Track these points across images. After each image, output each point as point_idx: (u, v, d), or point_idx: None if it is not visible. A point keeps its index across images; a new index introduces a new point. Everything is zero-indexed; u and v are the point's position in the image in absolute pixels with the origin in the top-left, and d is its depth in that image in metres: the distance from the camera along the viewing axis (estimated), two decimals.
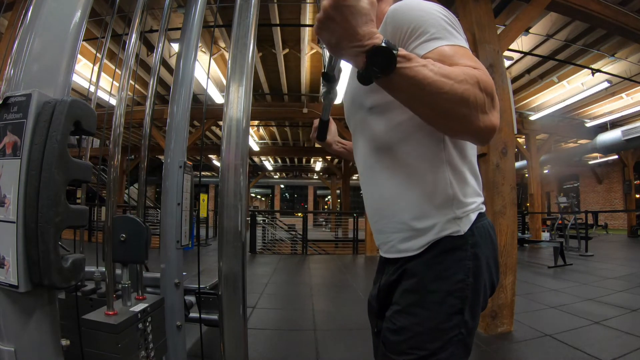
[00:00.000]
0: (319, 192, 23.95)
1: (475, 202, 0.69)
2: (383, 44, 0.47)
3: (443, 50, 0.57)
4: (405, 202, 0.68)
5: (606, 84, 6.42)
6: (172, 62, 5.57)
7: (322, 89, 0.81)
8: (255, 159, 14.88)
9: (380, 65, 0.48)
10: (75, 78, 4.62)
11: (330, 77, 0.73)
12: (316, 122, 1.09)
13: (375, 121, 0.72)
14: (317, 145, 12.37)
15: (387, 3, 0.79)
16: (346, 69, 0.78)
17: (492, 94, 0.52)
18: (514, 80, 6.88)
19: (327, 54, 0.68)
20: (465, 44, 0.60)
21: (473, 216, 0.67)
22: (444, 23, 0.60)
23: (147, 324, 0.96)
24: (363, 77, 0.51)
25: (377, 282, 0.80)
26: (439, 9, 0.62)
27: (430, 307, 0.63)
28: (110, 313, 0.89)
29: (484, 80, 0.51)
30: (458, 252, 0.64)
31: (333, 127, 1.11)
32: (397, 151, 0.69)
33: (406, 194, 0.68)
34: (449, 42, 0.58)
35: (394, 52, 0.47)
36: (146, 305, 0.98)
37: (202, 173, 13.74)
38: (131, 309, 0.94)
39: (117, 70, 4.32)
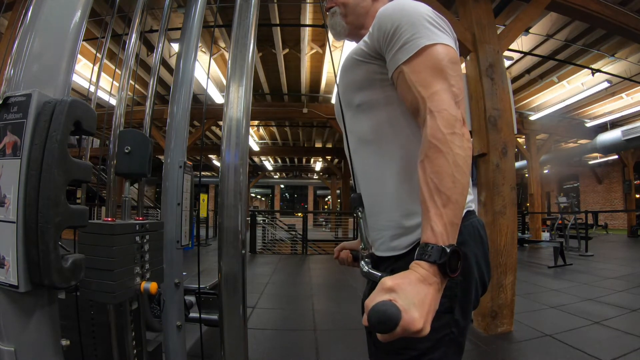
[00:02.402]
0: (319, 192, 23.95)
1: None
2: (441, 262, 0.49)
3: (415, 65, 0.60)
4: (393, 199, 0.68)
5: (606, 84, 6.43)
6: (172, 62, 5.57)
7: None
8: (255, 159, 14.89)
9: (455, 263, 0.50)
10: (75, 78, 4.62)
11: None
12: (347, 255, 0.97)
13: (363, 118, 0.73)
14: (316, 145, 12.35)
15: (383, 3, 0.81)
16: (339, 69, 0.79)
17: (453, 117, 0.55)
18: (514, 80, 6.88)
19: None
20: (447, 41, 0.62)
21: None
22: (425, 22, 0.61)
23: (145, 241, 0.94)
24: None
25: (369, 282, 0.80)
26: (423, 9, 0.63)
27: None
28: (109, 219, 0.88)
29: (446, 121, 0.55)
30: None
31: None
32: (385, 148, 0.70)
33: (394, 191, 0.68)
34: (428, 41, 0.60)
35: (447, 250, 0.49)
36: (145, 222, 0.97)
37: (202, 173, 13.73)
38: (129, 222, 0.93)
39: (117, 70, 4.32)
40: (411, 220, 0.66)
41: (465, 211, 0.68)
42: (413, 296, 0.46)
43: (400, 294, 0.47)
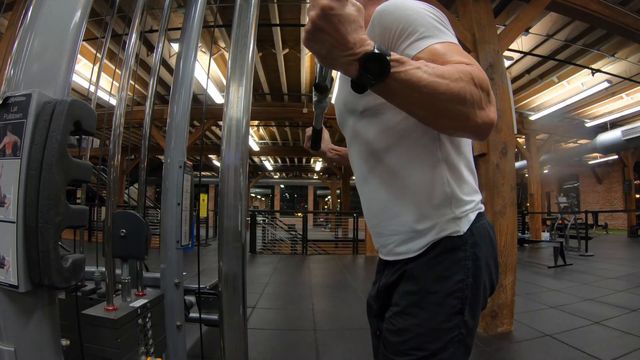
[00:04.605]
0: (319, 192, 23.94)
1: (473, 200, 0.69)
2: (375, 50, 0.46)
3: (434, 49, 0.56)
4: (403, 204, 0.68)
5: (606, 84, 6.43)
6: (172, 62, 5.57)
7: (314, 98, 0.76)
8: (255, 159, 14.88)
9: (374, 72, 0.46)
10: (75, 78, 4.62)
11: (322, 87, 0.68)
12: (308, 131, 1.07)
13: (368, 125, 0.71)
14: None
15: (376, 6, 0.79)
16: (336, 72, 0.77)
17: (487, 89, 0.51)
18: (514, 80, 6.88)
19: (318, 63, 0.67)
20: (455, 40, 0.60)
21: (472, 216, 0.67)
22: (433, 21, 0.59)
23: (147, 320, 0.96)
24: (357, 85, 0.50)
25: (376, 283, 0.80)
26: (426, 7, 0.62)
27: (430, 308, 0.63)
28: (110, 308, 0.89)
29: (478, 76, 0.50)
30: (457, 253, 0.64)
31: (326, 134, 1.10)
32: (392, 153, 0.69)
33: (404, 196, 0.68)
34: (439, 40, 0.57)
35: (387, 57, 0.46)
36: (146, 301, 0.98)
37: (202, 173, 13.73)
38: (131, 305, 0.94)
39: (117, 70, 4.32)
40: (423, 224, 0.66)
41: (476, 213, 0.68)
42: (352, 15, 0.46)
43: (357, 9, 0.47)
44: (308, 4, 0.46)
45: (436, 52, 0.56)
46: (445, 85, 0.47)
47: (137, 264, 1.08)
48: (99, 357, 0.82)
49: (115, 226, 0.97)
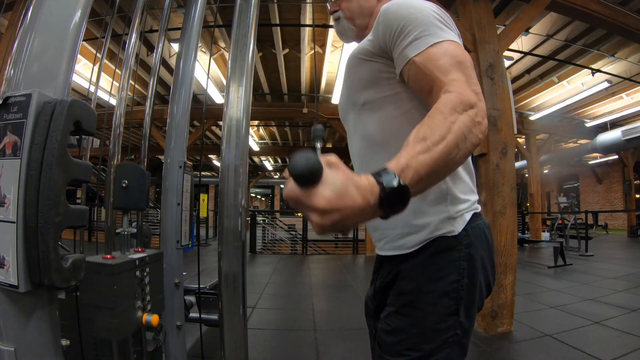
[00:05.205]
0: None
1: (469, 200, 0.68)
2: (387, 187, 0.42)
3: (430, 54, 0.58)
4: None
5: (606, 84, 6.42)
6: (172, 62, 5.56)
7: None
8: (255, 159, 14.88)
9: (398, 203, 0.44)
10: (75, 78, 4.62)
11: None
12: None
13: (368, 117, 0.72)
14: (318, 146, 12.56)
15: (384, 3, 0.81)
16: (339, 69, 0.77)
17: (469, 103, 0.51)
18: (514, 80, 6.87)
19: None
20: (456, 39, 0.61)
21: (467, 216, 0.67)
22: (434, 19, 0.60)
23: (145, 274, 0.95)
24: (388, 217, 0.47)
25: (373, 283, 0.80)
26: (430, 6, 0.62)
27: (424, 308, 0.63)
28: (108, 257, 0.89)
29: (461, 102, 0.51)
30: (452, 253, 0.64)
31: None
32: (391, 146, 0.68)
33: None
34: (438, 39, 0.58)
35: (400, 182, 0.43)
36: (145, 255, 0.98)
37: (202, 173, 13.73)
38: (130, 256, 0.94)
39: (117, 70, 4.32)
40: (420, 219, 0.65)
41: (472, 213, 0.68)
42: (341, 184, 0.39)
43: (334, 171, 0.40)
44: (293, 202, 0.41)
45: (432, 57, 0.58)
46: (445, 146, 0.47)
47: (138, 220, 1.08)
48: (95, 306, 0.81)
49: (117, 177, 0.96)
